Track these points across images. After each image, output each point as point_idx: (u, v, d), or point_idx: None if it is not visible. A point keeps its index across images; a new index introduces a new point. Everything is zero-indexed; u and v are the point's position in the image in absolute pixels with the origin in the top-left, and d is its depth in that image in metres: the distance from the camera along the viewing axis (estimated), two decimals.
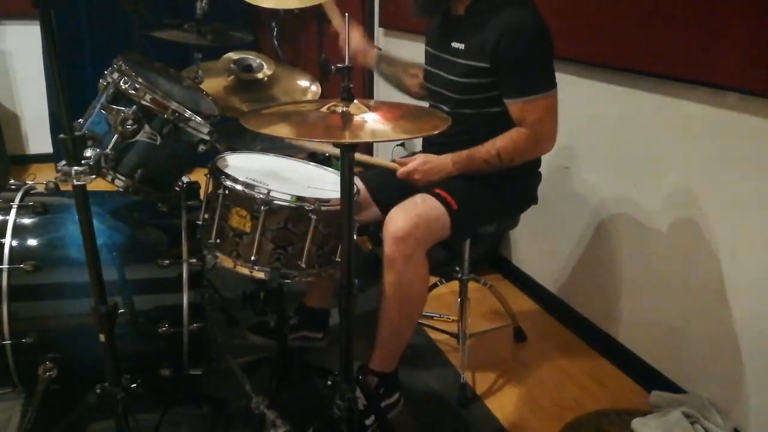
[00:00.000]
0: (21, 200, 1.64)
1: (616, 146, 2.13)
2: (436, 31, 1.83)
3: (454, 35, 1.72)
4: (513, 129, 1.67)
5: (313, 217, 1.45)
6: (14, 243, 1.57)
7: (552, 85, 1.66)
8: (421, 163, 1.73)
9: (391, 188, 1.88)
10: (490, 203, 1.80)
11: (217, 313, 2.20)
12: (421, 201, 1.67)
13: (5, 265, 1.53)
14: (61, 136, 1.21)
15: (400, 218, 1.63)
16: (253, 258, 1.48)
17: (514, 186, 1.83)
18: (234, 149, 1.76)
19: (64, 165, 1.24)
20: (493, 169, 1.70)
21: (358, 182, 1.88)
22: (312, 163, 1.80)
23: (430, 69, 1.84)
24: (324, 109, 1.28)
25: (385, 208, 1.81)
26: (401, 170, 1.74)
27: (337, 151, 1.32)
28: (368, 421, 1.70)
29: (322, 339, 2.16)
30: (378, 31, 3.66)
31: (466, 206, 1.69)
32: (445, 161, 1.72)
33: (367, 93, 3.65)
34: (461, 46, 1.70)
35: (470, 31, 1.68)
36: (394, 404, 1.80)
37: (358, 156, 1.76)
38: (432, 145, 1.88)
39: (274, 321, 1.80)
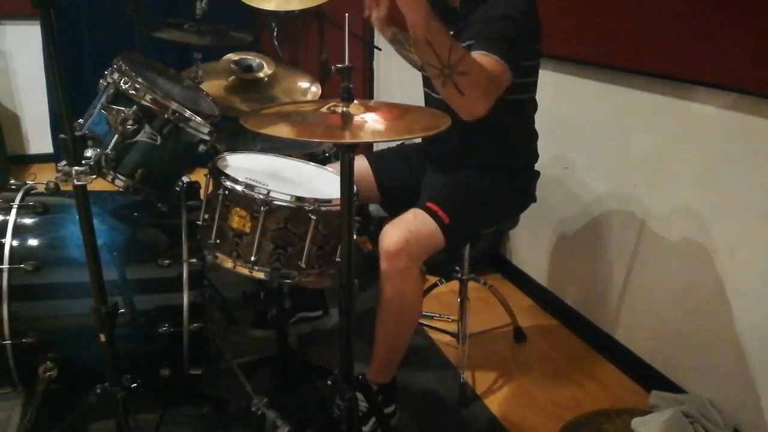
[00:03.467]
0: (21, 200, 1.64)
1: (615, 146, 2.13)
2: None
3: (450, 27, 1.71)
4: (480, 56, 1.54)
5: (313, 217, 1.45)
6: (14, 243, 1.57)
7: (509, 62, 1.52)
8: None
9: (397, 173, 1.89)
10: (486, 207, 1.80)
11: (217, 313, 2.20)
12: (412, 217, 1.68)
13: (5, 265, 1.53)
14: (62, 136, 1.22)
15: (393, 235, 1.63)
16: (253, 258, 1.48)
17: (512, 186, 1.83)
18: (234, 149, 1.76)
19: (64, 165, 1.24)
20: (441, 60, 1.47)
21: (361, 160, 1.88)
22: (312, 163, 1.80)
23: None
24: (324, 109, 1.28)
25: (386, 193, 1.80)
26: None
27: None
28: (366, 428, 1.71)
29: (322, 315, 2.15)
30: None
31: (459, 217, 1.68)
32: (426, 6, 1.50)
33: (367, 93, 3.66)
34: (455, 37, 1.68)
35: (464, 21, 1.67)
36: (390, 415, 1.80)
37: None
38: (432, 144, 1.88)
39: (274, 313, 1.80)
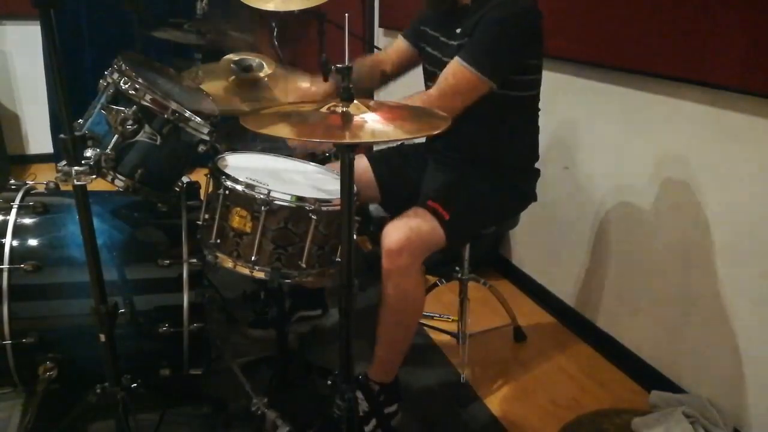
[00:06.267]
0: (21, 200, 1.64)
1: (615, 146, 2.13)
2: (441, 15, 1.80)
3: (461, 23, 1.71)
4: (422, 92, 1.67)
5: (314, 217, 1.45)
6: (15, 243, 1.57)
7: (492, 75, 1.59)
8: None
9: (397, 173, 1.90)
10: (487, 206, 1.80)
11: (217, 313, 2.20)
12: (413, 214, 1.69)
13: (6, 265, 1.53)
14: (62, 136, 1.21)
15: (393, 233, 1.64)
16: (253, 258, 1.48)
17: (513, 186, 1.83)
18: (234, 149, 1.76)
19: (64, 165, 1.24)
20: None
21: (361, 160, 1.89)
22: (312, 163, 1.80)
23: (428, 49, 1.83)
24: (324, 109, 1.28)
25: (386, 192, 1.81)
26: None
27: None
28: (368, 428, 1.71)
29: (322, 314, 2.16)
30: (378, 31, 3.66)
31: (459, 214, 1.69)
32: None
33: (366, 93, 3.65)
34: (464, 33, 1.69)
35: (474, 19, 1.66)
36: (392, 414, 1.80)
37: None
38: (434, 140, 1.89)
39: (274, 313, 1.80)
